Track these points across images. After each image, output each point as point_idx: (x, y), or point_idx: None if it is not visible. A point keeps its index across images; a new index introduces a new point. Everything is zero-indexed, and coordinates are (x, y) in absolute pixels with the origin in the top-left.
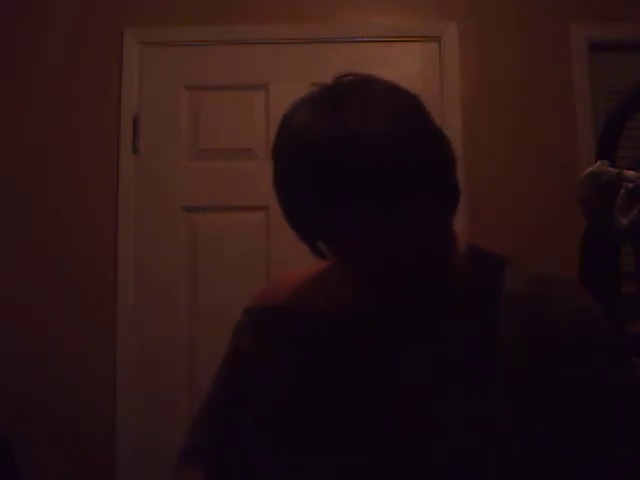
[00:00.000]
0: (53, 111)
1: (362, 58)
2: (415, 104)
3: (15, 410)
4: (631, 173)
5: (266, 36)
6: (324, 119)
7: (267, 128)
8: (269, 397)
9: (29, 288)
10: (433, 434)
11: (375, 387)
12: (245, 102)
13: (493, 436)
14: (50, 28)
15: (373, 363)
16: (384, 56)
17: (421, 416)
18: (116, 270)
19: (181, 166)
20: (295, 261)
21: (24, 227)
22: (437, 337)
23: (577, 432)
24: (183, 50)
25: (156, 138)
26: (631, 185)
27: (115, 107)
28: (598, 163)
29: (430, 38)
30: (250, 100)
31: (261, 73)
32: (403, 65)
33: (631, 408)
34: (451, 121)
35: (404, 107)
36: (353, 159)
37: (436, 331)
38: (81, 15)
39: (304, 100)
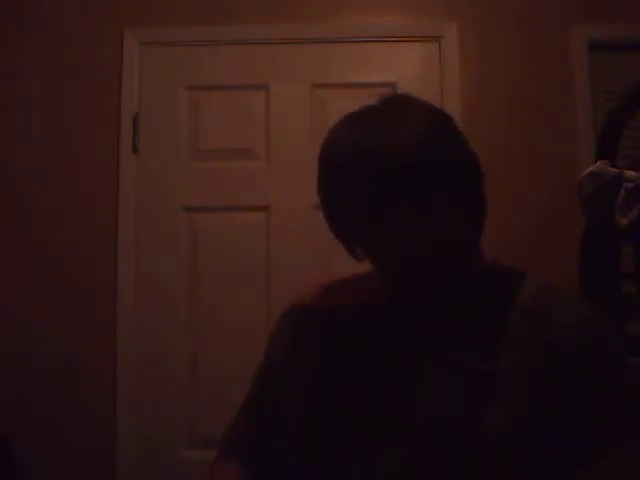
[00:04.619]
0: (53, 111)
1: (362, 58)
2: (445, 123)
3: (15, 410)
4: (631, 173)
5: (266, 36)
6: (358, 131)
7: (267, 128)
8: (301, 396)
9: (29, 288)
10: (436, 420)
11: (395, 382)
12: (245, 102)
13: (493, 427)
14: (50, 28)
15: (395, 359)
16: (384, 56)
17: (433, 406)
18: (116, 270)
19: (181, 166)
20: (295, 261)
21: (24, 227)
22: (453, 336)
23: (565, 432)
24: (183, 50)
25: (156, 138)
26: (631, 185)
27: (115, 107)
28: (598, 163)
29: (430, 38)
30: (250, 100)
31: (261, 73)
32: (403, 65)
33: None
34: None
35: (434, 125)
36: (377, 167)
37: (452, 331)
38: (81, 15)
39: (348, 115)
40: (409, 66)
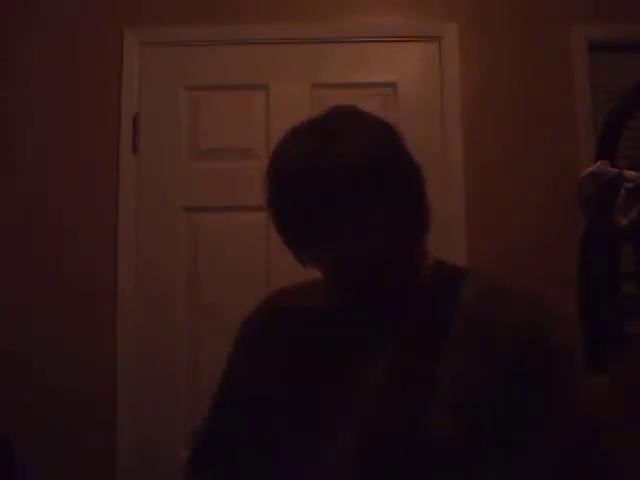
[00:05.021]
0: (53, 111)
1: (362, 58)
2: (390, 135)
3: (15, 410)
4: (631, 173)
5: (266, 36)
6: (304, 143)
7: (267, 128)
8: (255, 397)
9: (29, 288)
10: (379, 420)
11: (339, 384)
12: (245, 102)
13: (432, 423)
14: (50, 28)
15: (341, 362)
16: (384, 56)
17: (369, 404)
18: (116, 270)
19: (181, 166)
20: (295, 261)
21: (24, 227)
22: (396, 338)
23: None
24: (183, 50)
25: (156, 138)
26: (631, 185)
27: (115, 107)
28: (598, 163)
29: (430, 38)
30: (250, 100)
31: (261, 73)
32: (403, 65)
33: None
34: (451, 121)
35: (379, 137)
36: (323, 177)
37: (396, 333)
38: (81, 15)
39: (296, 126)
40: (409, 66)
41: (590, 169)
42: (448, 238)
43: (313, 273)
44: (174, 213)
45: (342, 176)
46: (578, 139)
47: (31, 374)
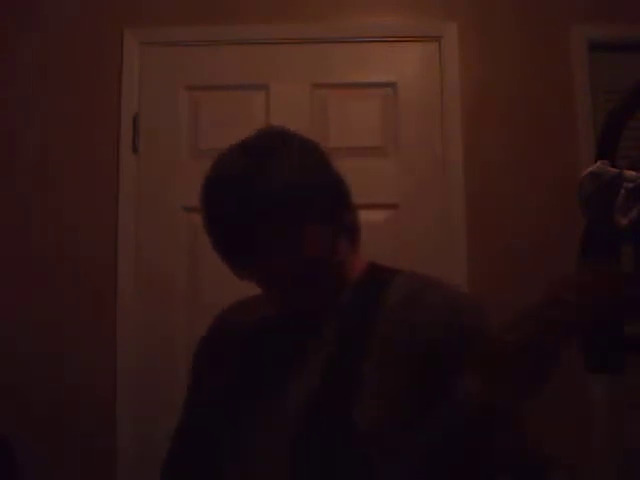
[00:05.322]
0: (53, 111)
1: (362, 58)
2: (314, 154)
3: (15, 410)
4: (631, 173)
5: (266, 36)
6: (229, 167)
7: None
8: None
9: (29, 288)
10: (311, 413)
11: (278, 382)
12: (245, 102)
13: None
14: (50, 28)
15: (272, 366)
16: (384, 56)
17: (310, 400)
18: (116, 270)
19: (181, 166)
20: None
21: (24, 227)
22: (324, 341)
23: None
24: (183, 50)
25: (156, 138)
26: (631, 185)
27: (115, 107)
28: (598, 163)
29: (430, 38)
30: (250, 100)
31: (261, 73)
32: (403, 65)
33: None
34: (451, 121)
35: (302, 156)
36: (244, 200)
37: (323, 336)
38: (81, 15)
39: (224, 150)
40: (409, 66)
41: (590, 169)
42: (448, 238)
43: None
44: (174, 213)
45: (267, 197)
46: (578, 139)
47: (31, 374)
